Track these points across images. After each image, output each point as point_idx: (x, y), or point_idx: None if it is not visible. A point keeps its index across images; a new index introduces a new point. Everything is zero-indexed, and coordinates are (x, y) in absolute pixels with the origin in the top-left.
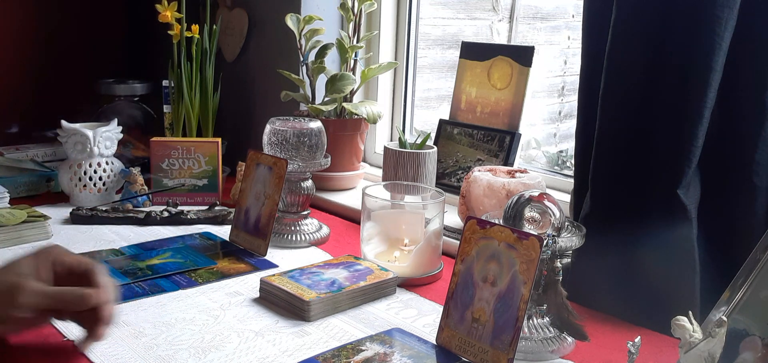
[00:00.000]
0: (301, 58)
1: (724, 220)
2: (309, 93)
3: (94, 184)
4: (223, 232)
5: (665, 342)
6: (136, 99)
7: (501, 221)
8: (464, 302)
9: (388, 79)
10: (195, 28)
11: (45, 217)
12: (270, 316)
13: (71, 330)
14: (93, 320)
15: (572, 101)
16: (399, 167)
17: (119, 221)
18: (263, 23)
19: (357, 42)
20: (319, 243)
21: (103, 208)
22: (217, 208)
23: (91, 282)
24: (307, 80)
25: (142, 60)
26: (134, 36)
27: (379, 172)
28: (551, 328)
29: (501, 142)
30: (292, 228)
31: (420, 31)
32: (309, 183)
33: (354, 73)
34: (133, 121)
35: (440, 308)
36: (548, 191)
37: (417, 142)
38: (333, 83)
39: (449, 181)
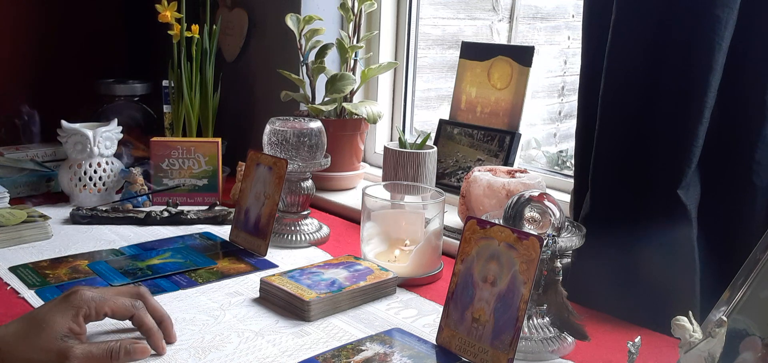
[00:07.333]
0: (301, 58)
1: (724, 220)
2: (309, 93)
3: (94, 184)
4: (223, 232)
5: (665, 342)
6: (136, 99)
7: (501, 221)
8: (464, 302)
9: (388, 79)
10: (195, 28)
11: (45, 217)
12: (270, 316)
13: None
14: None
15: (572, 101)
16: (399, 167)
17: (119, 221)
18: (263, 23)
19: (357, 42)
20: (319, 243)
21: (103, 208)
22: (217, 208)
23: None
24: (307, 80)
25: (142, 60)
26: (134, 36)
27: (379, 172)
28: (551, 328)
29: (501, 142)
30: (292, 228)
31: (420, 31)
32: (309, 183)
33: (354, 73)
34: (133, 121)
35: (440, 308)
36: (548, 191)
37: (417, 142)
38: (333, 83)
39: (449, 181)
